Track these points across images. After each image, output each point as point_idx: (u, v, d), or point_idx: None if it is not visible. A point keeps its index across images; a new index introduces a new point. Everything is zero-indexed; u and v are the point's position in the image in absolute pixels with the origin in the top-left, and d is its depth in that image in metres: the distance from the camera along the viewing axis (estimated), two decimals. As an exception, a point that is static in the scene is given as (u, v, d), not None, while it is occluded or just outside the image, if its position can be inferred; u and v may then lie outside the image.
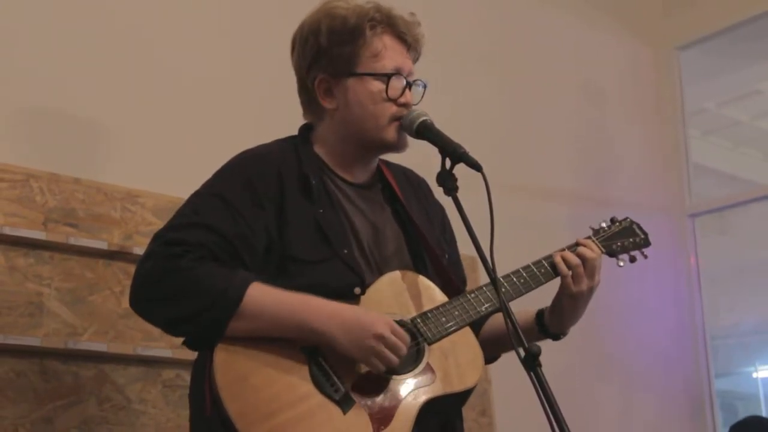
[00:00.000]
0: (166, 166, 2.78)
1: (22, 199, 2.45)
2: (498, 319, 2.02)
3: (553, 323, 2.01)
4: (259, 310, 1.69)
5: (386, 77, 1.90)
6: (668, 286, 4.54)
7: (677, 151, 4.78)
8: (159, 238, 1.76)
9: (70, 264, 2.48)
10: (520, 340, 1.61)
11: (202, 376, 1.71)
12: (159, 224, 2.61)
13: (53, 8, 2.70)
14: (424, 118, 1.89)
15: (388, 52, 1.92)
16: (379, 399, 1.71)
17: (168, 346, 2.55)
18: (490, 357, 2.07)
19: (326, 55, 1.92)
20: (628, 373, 4.18)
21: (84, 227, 2.54)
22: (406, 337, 1.75)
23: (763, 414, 6.81)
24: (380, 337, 1.70)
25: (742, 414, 4.18)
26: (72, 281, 2.48)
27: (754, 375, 6.61)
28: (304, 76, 1.97)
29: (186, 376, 2.58)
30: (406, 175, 2.12)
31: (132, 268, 2.53)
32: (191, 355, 1.83)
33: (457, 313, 1.86)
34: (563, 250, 2.01)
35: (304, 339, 1.72)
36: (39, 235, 2.42)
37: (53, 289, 2.44)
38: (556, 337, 2.04)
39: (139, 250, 2.49)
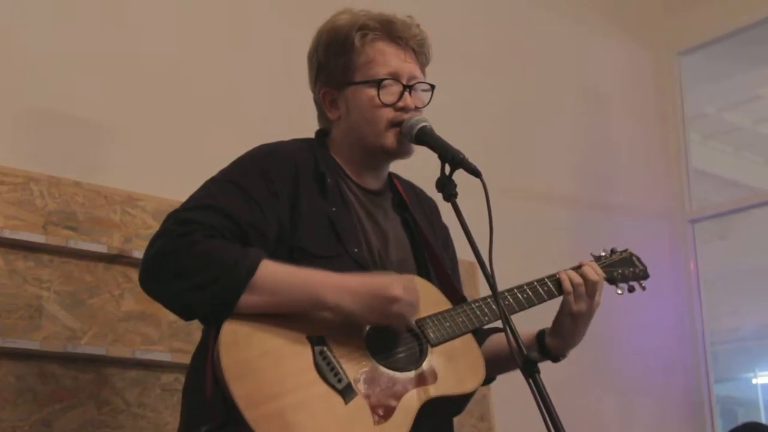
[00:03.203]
0: (166, 169, 2.78)
1: (22, 202, 2.45)
2: (497, 339, 2.05)
3: (553, 344, 2.05)
4: (271, 283, 1.69)
5: (377, 83, 1.92)
6: (668, 292, 4.54)
7: (678, 156, 4.79)
8: (171, 218, 1.76)
9: (69, 267, 2.48)
10: (519, 347, 1.63)
11: (203, 362, 1.71)
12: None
13: (54, 11, 2.70)
14: (424, 124, 1.91)
15: (383, 58, 1.94)
16: (381, 393, 1.72)
17: (167, 350, 2.55)
18: (486, 378, 2.08)
19: (325, 69, 1.98)
20: (627, 378, 4.17)
21: (84, 230, 2.54)
22: (417, 290, 1.79)
23: (763, 420, 6.81)
24: (396, 300, 1.73)
25: (742, 419, 4.18)
26: (71, 284, 2.48)
27: (754, 381, 6.62)
28: (313, 89, 2.03)
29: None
30: (416, 192, 2.15)
31: (132, 272, 2.57)
32: (190, 359, 1.83)
33: (461, 319, 1.88)
34: (566, 270, 2.05)
35: (318, 312, 1.73)
36: (39, 238, 2.41)
37: (53, 292, 2.44)
38: (556, 359, 2.07)
39: (139, 254, 2.48)
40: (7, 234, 2.36)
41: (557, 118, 4.27)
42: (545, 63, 4.25)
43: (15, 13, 2.62)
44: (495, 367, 2.01)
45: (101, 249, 2.52)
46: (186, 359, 1.92)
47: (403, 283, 1.77)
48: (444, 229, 2.16)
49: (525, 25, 4.23)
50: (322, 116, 2.04)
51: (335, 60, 1.95)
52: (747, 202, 4.90)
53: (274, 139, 2.01)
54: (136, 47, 2.85)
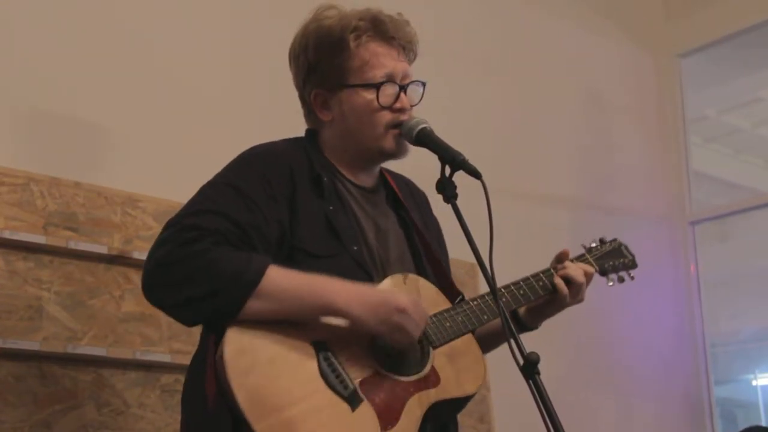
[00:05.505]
0: (166, 170, 2.78)
1: (23, 202, 2.45)
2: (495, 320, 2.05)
3: (528, 319, 2.11)
4: (277, 290, 1.68)
5: (375, 87, 1.90)
6: (668, 294, 4.54)
7: (678, 159, 4.79)
8: (173, 225, 1.73)
9: (69, 268, 2.48)
10: (520, 348, 1.63)
11: (202, 374, 1.69)
12: (159, 229, 2.61)
13: (54, 13, 2.70)
14: (424, 125, 1.90)
15: (377, 60, 1.92)
16: (386, 398, 1.72)
17: (167, 351, 2.55)
18: None
19: (316, 70, 1.94)
20: (627, 380, 4.17)
21: (84, 231, 2.54)
22: (426, 313, 1.79)
23: (763, 422, 6.81)
24: (403, 312, 1.72)
25: (741, 422, 4.18)
26: (72, 285, 2.48)
27: (754, 382, 6.61)
28: (302, 90, 2.00)
29: (185, 381, 2.58)
30: (408, 185, 2.14)
31: (132, 273, 2.57)
32: (189, 360, 1.83)
33: (460, 319, 1.88)
34: (563, 267, 2.08)
35: (324, 317, 1.72)
36: (39, 239, 2.41)
37: (53, 293, 2.44)
38: (528, 329, 2.12)
39: (139, 255, 2.49)
40: (8, 235, 2.36)
41: (558, 120, 4.27)
42: (546, 65, 4.25)
43: (15, 14, 2.63)
44: (486, 344, 2.04)
45: (101, 250, 2.52)
46: (186, 360, 1.92)
47: (412, 298, 1.77)
48: (435, 223, 2.15)
49: (526, 28, 4.23)
50: (311, 116, 2.00)
51: (327, 62, 1.92)
52: (747, 205, 4.91)
53: (274, 139, 2.01)
54: (136, 48, 2.85)
